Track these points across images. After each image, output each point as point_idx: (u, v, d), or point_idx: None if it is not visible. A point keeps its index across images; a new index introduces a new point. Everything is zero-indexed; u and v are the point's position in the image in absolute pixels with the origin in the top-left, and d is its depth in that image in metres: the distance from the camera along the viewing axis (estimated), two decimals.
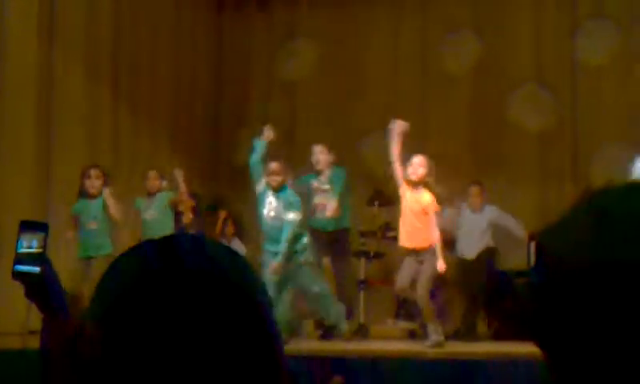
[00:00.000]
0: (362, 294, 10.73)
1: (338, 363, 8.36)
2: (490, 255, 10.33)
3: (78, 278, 9.08)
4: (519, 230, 10.27)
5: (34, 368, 2.18)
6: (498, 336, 9.85)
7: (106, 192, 9.60)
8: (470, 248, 10.34)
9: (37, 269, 2.16)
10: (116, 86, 11.97)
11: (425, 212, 9.02)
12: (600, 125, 12.24)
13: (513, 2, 12.89)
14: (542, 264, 1.15)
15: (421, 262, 9.03)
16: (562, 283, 1.09)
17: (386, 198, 10.86)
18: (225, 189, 13.08)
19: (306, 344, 9.30)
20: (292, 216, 9.27)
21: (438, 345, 8.91)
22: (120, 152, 11.86)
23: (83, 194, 9.66)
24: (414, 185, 9.05)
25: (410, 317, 10.49)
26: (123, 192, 11.33)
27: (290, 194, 9.43)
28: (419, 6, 13.28)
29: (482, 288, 10.17)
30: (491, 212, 10.48)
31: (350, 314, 9.95)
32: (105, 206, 9.60)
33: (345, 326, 9.50)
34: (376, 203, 11.22)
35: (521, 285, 9.33)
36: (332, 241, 10.10)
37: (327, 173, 10.13)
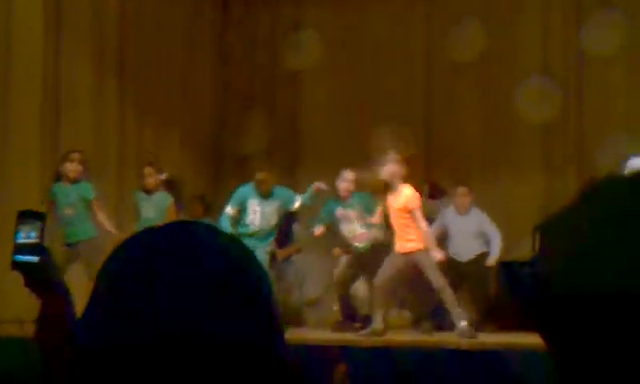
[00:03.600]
0: (365, 285, 10.73)
1: (342, 352, 8.37)
2: (484, 260, 10.29)
3: (59, 264, 8.96)
4: (495, 248, 10.18)
5: (33, 356, 2.18)
6: (501, 327, 9.83)
7: (96, 205, 9.60)
8: (464, 250, 10.24)
9: (35, 258, 2.16)
10: (122, 79, 11.98)
11: (406, 210, 9.15)
12: (606, 116, 12.20)
13: None
14: (542, 254, 1.15)
15: (412, 262, 9.11)
16: (562, 273, 1.09)
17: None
18: (229, 179, 13.10)
19: (311, 333, 9.33)
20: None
21: (470, 334, 8.87)
22: (126, 144, 11.87)
23: (60, 177, 9.56)
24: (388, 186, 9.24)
25: (414, 306, 10.49)
26: (130, 185, 11.36)
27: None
28: None
29: (480, 286, 10.19)
30: (478, 216, 10.34)
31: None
32: (83, 193, 9.53)
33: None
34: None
35: (524, 275, 9.33)
36: (367, 259, 10.03)
37: (350, 198, 10.09)
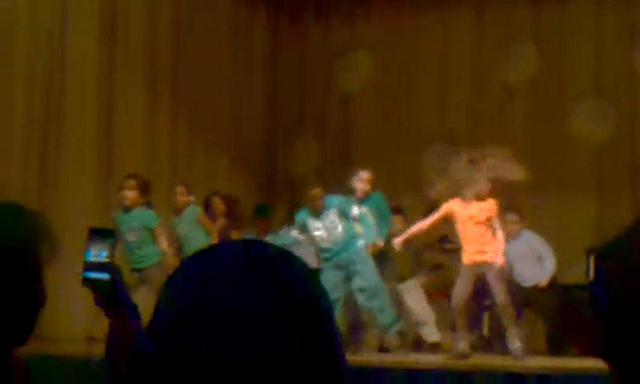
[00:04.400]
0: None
1: (394, 375, 8.34)
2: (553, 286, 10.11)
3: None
4: (545, 269, 10.01)
5: (98, 374, 2.20)
6: (558, 351, 9.70)
7: (158, 232, 9.39)
8: (522, 274, 10.05)
9: (106, 276, 2.14)
10: (174, 102, 12.08)
11: (487, 219, 8.94)
12: None
13: (571, 13, 12.79)
14: (601, 279, 1.16)
15: (482, 274, 8.90)
16: (622, 299, 1.10)
17: None
18: (281, 201, 13.11)
19: (363, 355, 9.28)
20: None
21: (520, 353, 8.68)
22: (178, 166, 11.95)
23: (120, 205, 9.42)
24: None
25: (468, 329, 10.40)
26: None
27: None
28: (475, 17, 13.23)
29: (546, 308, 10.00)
30: (529, 237, 10.11)
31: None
32: (144, 221, 9.35)
33: (395, 333, 9.43)
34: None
35: (580, 300, 9.23)
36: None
37: (366, 199, 9.98)
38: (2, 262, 1.74)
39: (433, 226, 9.37)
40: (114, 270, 2.17)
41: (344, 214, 9.55)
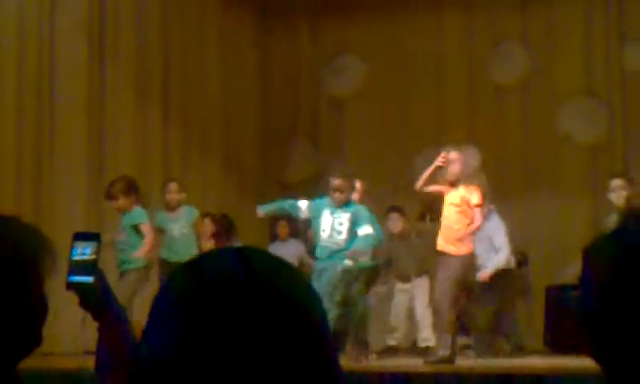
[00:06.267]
0: None
1: (392, 378, 8.33)
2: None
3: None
4: (500, 258, 9.75)
5: None
6: (554, 350, 9.65)
7: (144, 228, 9.09)
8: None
9: (90, 278, 2.15)
10: (165, 108, 12.07)
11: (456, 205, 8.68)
12: None
13: (561, 14, 12.81)
14: (586, 277, 1.15)
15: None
16: (609, 297, 1.10)
17: (438, 212, 10.79)
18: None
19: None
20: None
21: (445, 360, 8.40)
22: (170, 169, 11.91)
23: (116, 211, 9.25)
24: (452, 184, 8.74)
25: (462, 332, 10.39)
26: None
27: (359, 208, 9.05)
28: (466, 20, 13.24)
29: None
30: (495, 223, 9.83)
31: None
32: (131, 219, 9.07)
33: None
34: (427, 218, 11.16)
35: (571, 298, 9.17)
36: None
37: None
38: (4, 275, 1.74)
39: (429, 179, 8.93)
40: (98, 272, 2.17)
41: (353, 228, 8.91)
